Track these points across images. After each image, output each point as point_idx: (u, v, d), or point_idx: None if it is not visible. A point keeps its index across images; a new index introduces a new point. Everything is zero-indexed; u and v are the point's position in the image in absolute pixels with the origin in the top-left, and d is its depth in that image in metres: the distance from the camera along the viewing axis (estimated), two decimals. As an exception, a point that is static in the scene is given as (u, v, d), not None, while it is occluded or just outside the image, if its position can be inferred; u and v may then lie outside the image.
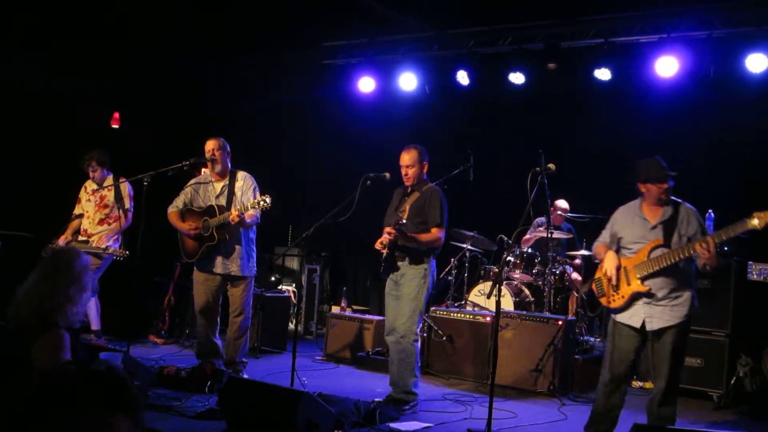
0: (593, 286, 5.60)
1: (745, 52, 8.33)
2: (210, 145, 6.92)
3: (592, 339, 8.76)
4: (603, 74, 9.16)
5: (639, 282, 5.22)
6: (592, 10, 9.09)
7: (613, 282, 5.32)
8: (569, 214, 9.63)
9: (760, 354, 7.16)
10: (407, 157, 6.45)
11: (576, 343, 8.02)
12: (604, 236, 5.63)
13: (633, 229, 5.36)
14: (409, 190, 6.51)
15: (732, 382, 7.17)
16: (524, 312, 8.16)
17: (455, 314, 8.15)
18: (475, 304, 8.61)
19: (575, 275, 9.38)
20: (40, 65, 8.68)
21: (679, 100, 9.02)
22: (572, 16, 9.25)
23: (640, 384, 8.06)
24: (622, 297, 5.31)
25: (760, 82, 8.40)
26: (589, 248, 9.14)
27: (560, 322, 7.53)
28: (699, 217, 5.32)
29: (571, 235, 9.57)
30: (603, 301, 5.50)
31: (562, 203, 9.68)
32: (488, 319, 7.80)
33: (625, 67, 9.15)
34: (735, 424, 6.35)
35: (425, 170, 6.49)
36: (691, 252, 5.02)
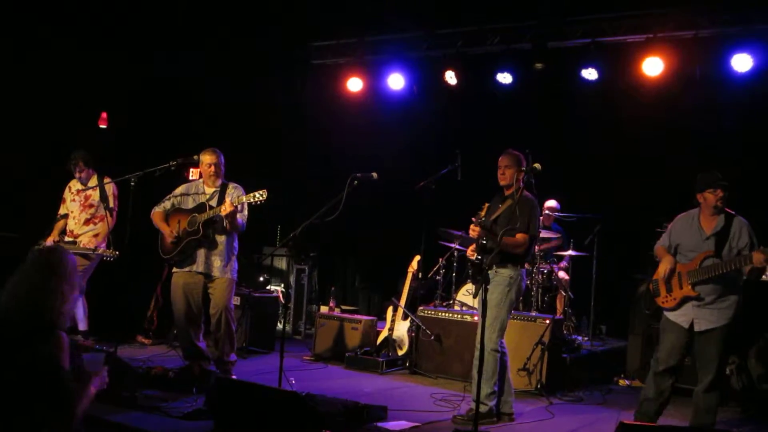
0: (650, 287, 6.07)
1: (731, 52, 8.39)
2: (209, 159, 6.87)
3: (579, 338, 8.80)
4: (590, 74, 9.20)
5: (690, 287, 5.73)
6: (580, 11, 9.12)
7: (666, 280, 5.85)
8: (558, 214, 9.65)
9: (747, 353, 7.21)
10: (504, 159, 6.35)
11: (563, 342, 8.05)
12: (664, 240, 6.10)
13: (690, 237, 5.88)
14: (505, 194, 6.38)
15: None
16: (512, 311, 8.16)
17: (443, 314, 8.17)
18: (463, 304, 8.63)
19: (563, 274, 9.41)
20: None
21: (664, 99, 9.06)
22: (560, 16, 9.28)
23: (628, 383, 8.10)
24: (674, 299, 5.83)
25: (745, 82, 8.45)
26: (576, 248, 9.20)
27: (548, 321, 7.56)
28: (751, 230, 5.74)
29: (559, 235, 9.60)
30: (658, 300, 5.97)
31: (551, 203, 9.71)
32: (476, 318, 7.80)
33: (612, 67, 9.19)
34: (723, 422, 6.37)
35: (521, 176, 6.26)
36: (740, 265, 5.52)
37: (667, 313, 5.96)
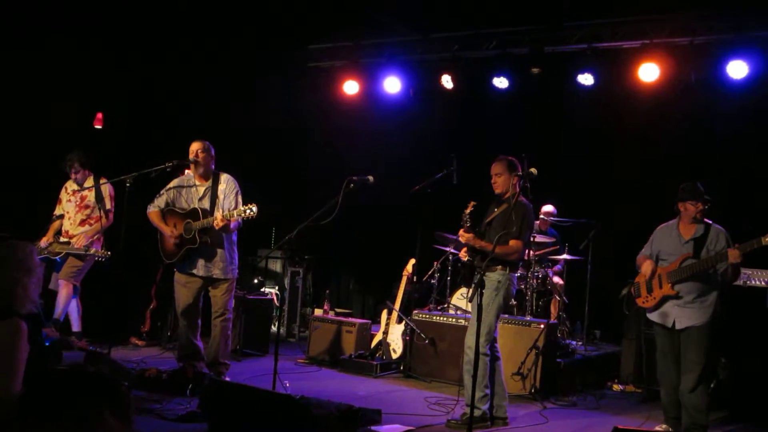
0: (631, 289, 6.42)
1: (726, 58, 8.40)
2: (195, 146, 6.89)
3: (573, 343, 8.80)
4: (586, 79, 9.20)
5: (669, 286, 6.07)
6: (576, 16, 9.13)
7: (647, 281, 6.20)
8: (554, 219, 9.66)
9: (736, 355, 7.24)
10: (496, 167, 6.40)
11: (558, 346, 8.05)
12: (646, 250, 6.42)
13: (669, 243, 6.22)
14: (501, 200, 6.42)
15: (712, 385, 7.21)
16: (506, 315, 8.17)
17: (438, 317, 8.17)
18: (457, 308, 8.62)
19: (557, 279, 9.42)
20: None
21: (660, 105, 9.08)
22: (556, 21, 9.29)
23: (621, 387, 8.11)
24: (654, 298, 6.18)
25: (740, 89, 8.47)
26: (571, 252, 9.21)
27: (542, 326, 7.56)
28: (727, 236, 6.04)
29: (554, 239, 9.61)
30: (639, 301, 6.33)
31: (548, 208, 9.72)
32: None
33: (608, 73, 9.20)
34: (715, 426, 6.39)
35: (515, 181, 6.33)
36: (716, 262, 5.85)
37: (651, 316, 6.27)
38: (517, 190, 6.33)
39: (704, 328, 5.98)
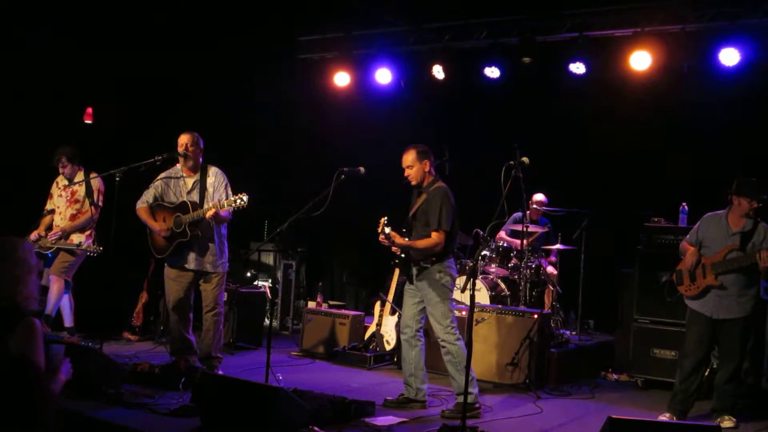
0: (673, 276, 6.47)
1: (718, 46, 8.40)
2: (183, 139, 6.85)
3: (567, 332, 8.80)
4: (577, 68, 9.19)
5: (713, 277, 6.17)
6: (567, 4, 9.11)
7: (690, 270, 6.26)
8: (546, 208, 9.65)
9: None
10: (406, 158, 6.36)
11: (551, 336, 8.04)
12: (691, 237, 6.47)
13: (716, 233, 6.29)
14: (420, 190, 6.40)
15: (705, 374, 7.21)
16: (500, 306, 8.17)
17: (431, 309, 8.14)
18: (450, 299, 8.60)
19: (551, 269, 9.41)
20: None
21: (652, 93, 9.07)
22: (547, 10, 9.27)
23: (615, 377, 8.11)
24: (698, 287, 6.27)
25: (732, 76, 8.47)
26: (564, 242, 9.20)
27: (536, 316, 7.55)
28: None
29: (546, 229, 9.60)
30: (681, 289, 6.42)
31: (539, 197, 9.70)
32: (463, 313, 7.79)
33: (600, 61, 9.19)
34: (708, 415, 6.40)
35: (428, 168, 6.33)
36: (759, 258, 5.93)
37: (690, 304, 6.35)
38: (434, 175, 6.34)
39: (745, 321, 6.14)
